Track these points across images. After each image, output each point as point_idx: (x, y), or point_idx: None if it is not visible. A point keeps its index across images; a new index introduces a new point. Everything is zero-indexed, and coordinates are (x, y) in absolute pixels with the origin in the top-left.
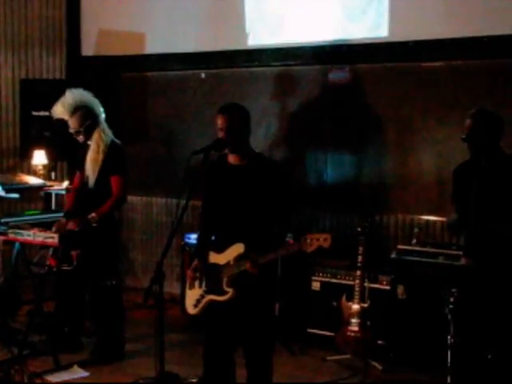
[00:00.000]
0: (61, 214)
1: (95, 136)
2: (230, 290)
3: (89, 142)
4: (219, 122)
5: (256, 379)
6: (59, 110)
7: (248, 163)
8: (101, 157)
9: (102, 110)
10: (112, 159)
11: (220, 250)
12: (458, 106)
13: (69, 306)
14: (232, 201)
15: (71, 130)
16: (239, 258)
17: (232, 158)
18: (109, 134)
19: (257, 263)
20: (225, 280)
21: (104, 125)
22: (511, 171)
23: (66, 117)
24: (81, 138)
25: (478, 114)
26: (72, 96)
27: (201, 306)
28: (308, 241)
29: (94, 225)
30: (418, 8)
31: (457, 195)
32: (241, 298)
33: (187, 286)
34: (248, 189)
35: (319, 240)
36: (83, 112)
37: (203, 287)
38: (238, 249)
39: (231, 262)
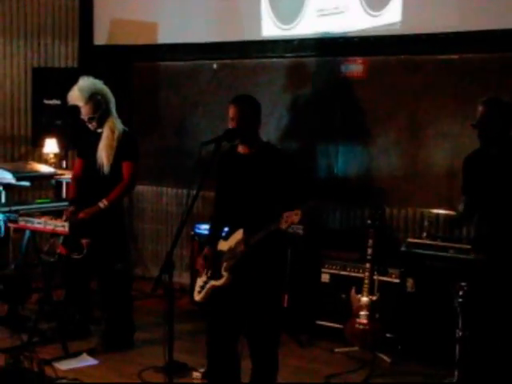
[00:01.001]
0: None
1: (109, 124)
2: (225, 274)
3: (99, 130)
4: (231, 112)
5: (261, 370)
6: (75, 95)
7: (256, 152)
8: (115, 144)
9: (113, 98)
10: (125, 146)
11: (227, 238)
12: (470, 99)
13: (78, 293)
14: (242, 190)
15: (84, 117)
16: (238, 243)
17: (241, 148)
18: (120, 123)
19: (247, 243)
20: (224, 265)
21: (115, 113)
22: None
23: (81, 103)
24: (93, 125)
25: (491, 101)
26: (87, 83)
27: (204, 292)
28: (284, 218)
29: (103, 207)
30: (431, 1)
31: (467, 185)
32: (241, 284)
33: (198, 274)
34: (257, 178)
35: (292, 216)
36: (98, 99)
37: (208, 274)
38: (238, 234)
39: (232, 248)
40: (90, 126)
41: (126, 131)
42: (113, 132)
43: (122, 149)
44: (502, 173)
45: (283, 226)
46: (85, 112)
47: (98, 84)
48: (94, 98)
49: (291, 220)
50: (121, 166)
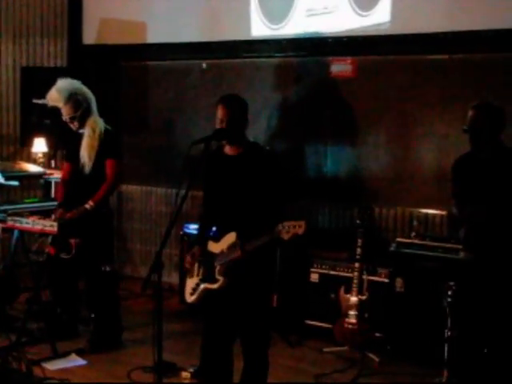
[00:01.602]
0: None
1: (90, 123)
2: (221, 279)
3: (80, 131)
4: (220, 112)
5: (252, 369)
6: (54, 97)
7: (243, 152)
8: (97, 142)
9: (93, 98)
10: (107, 144)
11: (217, 239)
12: (459, 99)
13: (66, 293)
14: (228, 190)
15: (65, 117)
16: (231, 247)
17: (228, 148)
18: (101, 121)
19: (244, 249)
20: (217, 268)
21: (96, 112)
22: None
23: (60, 104)
24: (75, 125)
25: (481, 106)
26: (65, 83)
27: (197, 294)
28: (286, 228)
29: (89, 208)
30: (420, 1)
31: (457, 189)
32: (235, 287)
33: (188, 275)
34: (243, 178)
35: (295, 227)
36: (77, 98)
37: (199, 275)
38: (230, 238)
39: (224, 251)
40: (72, 126)
41: (108, 129)
42: (94, 131)
43: (105, 147)
44: (493, 177)
45: (285, 236)
46: (65, 112)
47: (76, 84)
48: (73, 97)
49: (294, 231)
50: (104, 164)
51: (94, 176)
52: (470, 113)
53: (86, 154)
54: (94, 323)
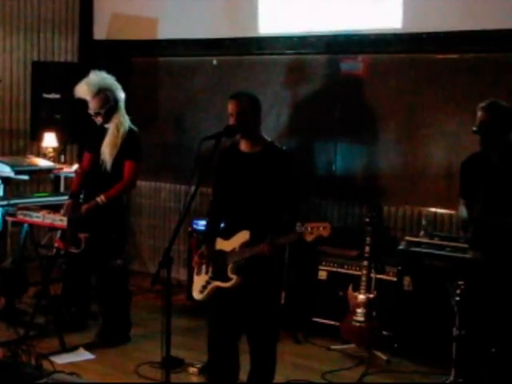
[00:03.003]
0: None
1: (115, 120)
2: (234, 277)
3: (106, 126)
4: (230, 107)
5: (259, 366)
6: (83, 89)
7: (260, 151)
8: (119, 141)
9: (123, 95)
10: (129, 144)
11: (228, 236)
12: (470, 99)
13: (76, 288)
14: (242, 188)
15: (91, 111)
16: (244, 246)
17: (244, 146)
18: (127, 120)
19: (273, 243)
20: (230, 267)
21: (123, 110)
22: None
23: (88, 97)
24: (99, 120)
25: (491, 106)
26: (97, 77)
27: (206, 292)
28: (309, 229)
29: (100, 203)
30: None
31: (466, 189)
32: (246, 285)
33: (195, 272)
34: (258, 177)
35: (319, 229)
36: (106, 94)
37: (209, 273)
38: (243, 236)
39: (236, 249)
40: (96, 120)
41: (133, 130)
42: (118, 129)
43: (126, 147)
44: (503, 178)
45: (309, 238)
46: (92, 106)
47: (108, 79)
48: (101, 92)
49: (319, 233)
50: (123, 163)
51: (111, 173)
52: (479, 113)
53: (107, 151)
54: (103, 317)
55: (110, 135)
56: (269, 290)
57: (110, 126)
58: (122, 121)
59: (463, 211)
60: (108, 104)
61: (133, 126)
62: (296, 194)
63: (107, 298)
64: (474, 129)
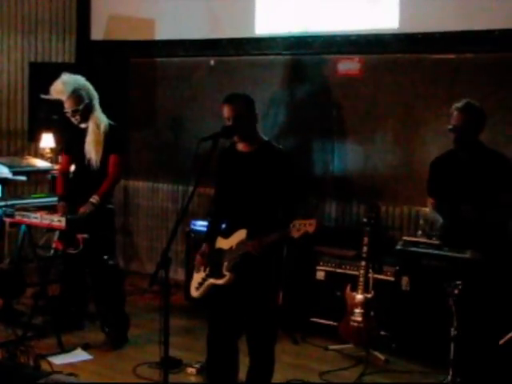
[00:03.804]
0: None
1: (93, 118)
2: (228, 274)
3: (83, 125)
4: (226, 112)
5: (258, 367)
6: (58, 88)
7: (256, 150)
8: (102, 138)
9: (96, 94)
10: (111, 139)
11: (227, 235)
12: (466, 98)
13: (74, 288)
14: (239, 187)
15: (67, 110)
16: (241, 244)
17: (241, 145)
18: (105, 117)
19: (261, 243)
20: (225, 264)
21: (99, 108)
22: (492, 164)
23: (63, 96)
24: (77, 119)
25: (467, 106)
26: (70, 77)
27: (202, 289)
28: (296, 226)
29: (95, 203)
30: (428, 0)
31: (434, 187)
32: (242, 283)
33: (194, 270)
34: (255, 176)
35: (306, 225)
36: (80, 93)
37: (206, 271)
38: (241, 234)
39: (233, 248)
40: (73, 119)
41: (112, 125)
42: (98, 126)
43: (110, 143)
44: (471, 177)
45: (295, 234)
46: (68, 105)
47: (81, 79)
48: (76, 91)
49: (305, 230)
50: (108, 159)
51: (100, 171)
52: (455, 113)
53: (92, 150)
54: (107, 319)
55: (92, 134)
56: (265, 289)
57: (90, 125)
58: (100, 118)
59: (434, 213)
60: (84, 101)
61: (111, 122)
62: (292, 193)
63: (105, 298)
64: (450, 127)
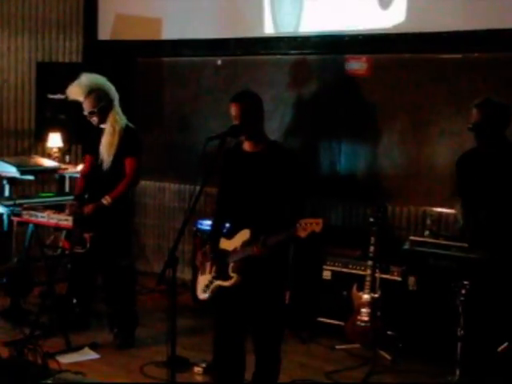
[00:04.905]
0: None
1: (110, 119)
2: (235, 276)
3: (102, 126)
4: (233, 110)
5: (264, 366)
6: (75, 90)
7: (263, 150)
8: (116, 139)
9: (116, 95)
10: (127, 142)
11: (231, 236)
12: (473, 98)
13: (81, 287)
14: (245, 187)
15: (85, 112)
16: (245, 244)
17: (247, 145)
18: (123, 118)
19: (265, 245)
20: (231, 265)
21: (118, 109)
22: None
23: (80, 98)
24: (94, 120)
25: (484, 103)
26: (87, 78)
27: (209, 291)
28: (302, 225)
29: (106, 204)
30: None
31: (462, 187)
32: (249, 284)
33: (199, 272)
34: (261, 176)
35: (312, 225)
36: (98, 93)
37: (212, 273)
38: (244, 235)
39: (238, 248)
40: (91, 121)
41: (129, 127)
42: (114, 128)
43: (124, 145)
44: (497, 173)
45: (302, 234)
46: (85, 106)
47: (100, 79)
48: (93, 92)
49: (311, 229)
50: (123, 162)
51: (111, 173)
52: (474, 111)
53: (104, 151)
54: (117, 320)
55: (107, 134)
56: (272, 289)
57: (107, 126)
58: (118, 119)
59: (460, 214)
60: (101, 103)
61: (129, 124)
62: (299, 193)
63: (116, 298)
64: (470, 126)
